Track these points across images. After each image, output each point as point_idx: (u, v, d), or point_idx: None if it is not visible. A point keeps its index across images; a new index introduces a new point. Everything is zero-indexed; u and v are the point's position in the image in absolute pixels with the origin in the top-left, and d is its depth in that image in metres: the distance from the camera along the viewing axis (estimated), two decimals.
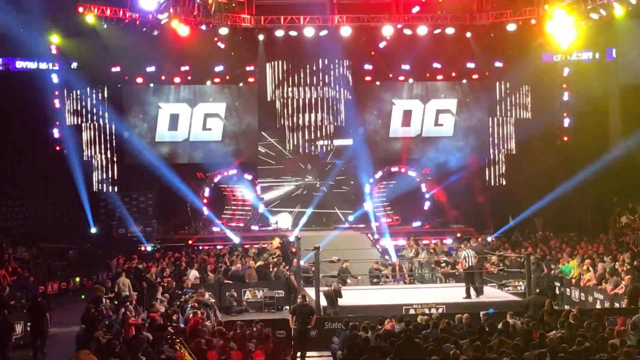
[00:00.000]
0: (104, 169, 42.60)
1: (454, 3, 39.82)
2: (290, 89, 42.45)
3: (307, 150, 42.87)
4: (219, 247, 37.25)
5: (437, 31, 39.68)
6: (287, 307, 28.52)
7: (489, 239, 37.14)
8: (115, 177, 42.63)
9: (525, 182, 40.38)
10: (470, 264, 26.99)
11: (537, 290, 24.70)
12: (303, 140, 42.78)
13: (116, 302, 25.37)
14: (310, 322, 22.74)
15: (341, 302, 25.29)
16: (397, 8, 39.75)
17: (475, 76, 43.51)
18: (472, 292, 26.73)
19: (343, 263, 30.58)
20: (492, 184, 43.99)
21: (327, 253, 29.18)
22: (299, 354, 22.16)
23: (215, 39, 39.44)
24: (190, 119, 42.97)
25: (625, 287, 25.63)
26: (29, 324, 24.83)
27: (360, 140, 43.19)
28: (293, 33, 39.69)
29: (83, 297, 26.54)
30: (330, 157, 43.06)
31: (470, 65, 42.65)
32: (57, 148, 41.21)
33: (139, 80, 42.17)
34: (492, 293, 27.36)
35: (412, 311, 24.46)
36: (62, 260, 36.84)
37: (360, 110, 43.41)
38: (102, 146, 42.55)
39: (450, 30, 39.63)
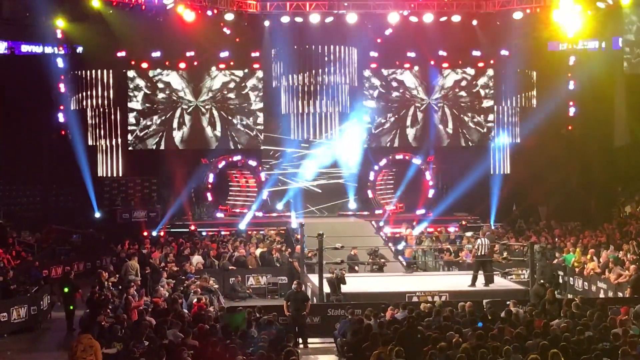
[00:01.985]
0: (109, 154, 42.59)
1: None
2: (295, 76, 42.36)
3: (311, 137, 42.77)
4: (222, 232, 37.23)
5: (443, 19, 39.60)
6: None
7: (492, 227, 37.12)
8: (120, 162, 42.61)
9: (530, 171, 40.32)
10: (484, 253, 26.91)
11: (542, 281, 24.67)
12: (307, 127, 42.69)
13: (120, 287, 25.45)
14: (305, 309, 22.82)
15: (344, 289, 25.30)
16: None
17: (480, 64, 43.39)
18: (479, 280, 26.67)
19: (352, 250, 30.61)
20: (497, 172, 43.91)
21: (331, 240, 29.16)
22: (300, 340, 22.21)
23: (221, 24, 39.39)
24: (195, 105, 42.91)
25: (630, 277, 25.60)
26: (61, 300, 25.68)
27: (366, 127, 43.18)
28: (299, 19, 39.65)
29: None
30: (335, 144, 42.95)
31: (476, 53, 42.54)
32: (62, 132, 41.19)
33: (144, 65, 42.07)
34: (495, 281, 27.33)
35: (415, 299, 24.44)
36: (66, 245, 36.89)
37: (365, 97, 43.37)
38: (107, 131, 42.52)
39: (456, 18, 39.55)
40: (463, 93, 43.87)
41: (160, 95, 42.69)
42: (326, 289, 25.31)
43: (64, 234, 38.16)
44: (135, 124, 42.58)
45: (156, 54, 41.32)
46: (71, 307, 24.83)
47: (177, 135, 42.93)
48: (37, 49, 40.20)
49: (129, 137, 42.57)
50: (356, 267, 30.56)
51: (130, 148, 42.57)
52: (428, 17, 39.29)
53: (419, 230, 36.63)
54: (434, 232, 36.80)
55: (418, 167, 42.78)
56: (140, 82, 42.49)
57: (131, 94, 42.48)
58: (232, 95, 43.10)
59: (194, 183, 42.24)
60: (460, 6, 39.53)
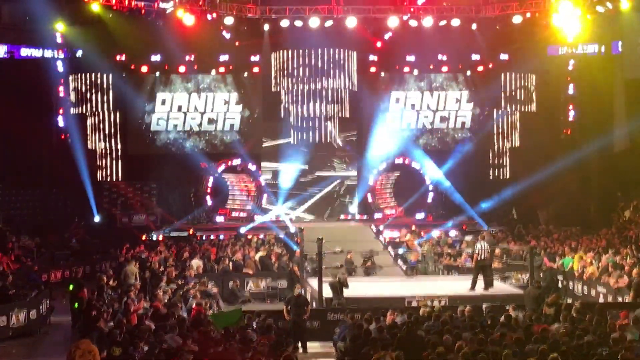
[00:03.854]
0: (108, 158, 42.55)
1: None
2: (294, 80, 42.37)
3: (310, 141, 42.79)
4: (221, 237, 37.23)
5: (443, 23, 39.61)
6: None
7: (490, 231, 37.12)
8: (120, 166, 42.59)
9: (529, 175, 40.28)
10: (484, 257, 26.91)
11: (537, 284, 24.65)
12: (307, 131, 42.72)
13: (119, 291, 25.41)
14: (305, 313, 22.83)
15: (345, 293, 25.28)
16: None
17: (480, 68, 43.39)
18: (479, 285, 26.67)
19: (348, 254, 30.60)
20: (496, 176, 43.91)
21: (331, 244, 29.16)
22: (299, 344, 22.19)
23: (221, 28, 39.40)
24: (194, 109, 42.90)
25: (632, 281, 25.54)
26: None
27: (365, 131, 43.23)
28: (298, 23, 39.64)
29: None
30: (334, 148, 42.97)
31: (476, 57, 42.54)
32: (62, 136, 41.21)
33: (144, 69, 42.04)
34: (495, 286, 27.31)
35: (414, 303, 24.42)
36: (65, 249, 36.87)
37: (365, 102, 43.38)
38: (107, 135, 42.50)
39: (455, 22, 39.55)
40: (462, 97, 43.85)
41: (160, 99, 42.67)
42: (328, 293, 25.28)
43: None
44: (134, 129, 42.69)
45: (156, 58, 41.32)
46: (76, 306, 24.69)
47: (176, 139, 42.92)
48: (37, 53, 40.19)
49: (128, 140, 42.57)
50: (352, 272, 30.54)
51: (129, 152, 42.52)
52: (427, 21, 39.31)
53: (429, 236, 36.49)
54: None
55: (417, 170, 42.79)
56: (140, 86, 42.41)
57: (131, 98, 42.39)
58: (230, 98, 43.07)
59: (193, 187, 42.25)
60: (460, 10, 39.54)
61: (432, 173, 42.27)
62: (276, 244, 35.00)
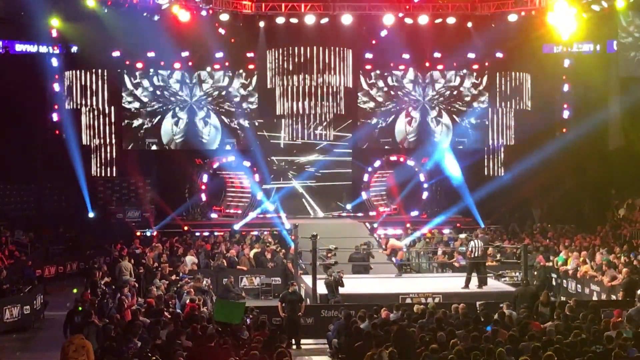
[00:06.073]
0: (103, 154, 42.48)
1: None
2: (290, 77, 42.32)
3: (305, 138, 42.77)
4: (216, 233, 37.18)
5: (438, 21, 39.64)
6: None
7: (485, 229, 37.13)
8: (114, 162, 42.52)
9: (524, 173, 40.30)
10: (477, 255, 26.94)
11: (526, 282, 24.66)
12: (302, 128, 42.71)
13: (114, 287, 25.38)
14: (300, 310, 22.85)
15: (340, 290, 25.27)
16: None
17: (475, 66, 43.38)
18: (473, 282, 26.68)
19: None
20: (491, 174, 43.91)
21: (325, 241, 29.12)
22: (293, 341, 22.23)
23: (216, 25, 39.37)
24: (189, 105, 42.84)
25: (622, 280, 25.64)
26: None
27: (360, 129, 43.24)
28: (294, 20, 39.64)
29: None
30: (329, 145, 42.97)
31: (471, 55, 42.49)
32: (56, 132, 41.10)
33: (139, 65, 41.99)
34: (489, 283, 27.35)
35: (408, 300, 24.44)
36: (60, 245, 36.82)
37: (360, 99, 43.40)
38: (101, 131, 42.41)
39: (451, 20, 39.57)
40: (457, 95, 43.86)
41: (155, 95, 42.61)
42: (323, 290, 25.26)
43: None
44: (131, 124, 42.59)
45: (151, 54, 41.25)
46: (80, 309, 24.68)
47: (171, 135, 42.86)
48: (32, 48, 40.05)
49: (123, 136, 42.52)
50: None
51: (124, 147, 42.51)
52: (423, 19, 39.30)
53: (418, 233, 36.47)
54: (427, 234, 36.77)
55: (412, 168, 42.78)
56: (135, 82, 42.34)
57: (125, 94, 42.33)
58: (227, 95, 43.03)
59: (187, 183, 42.20)
60: (455, 8, 39.53)
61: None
62: (271, 240, 34.99)
